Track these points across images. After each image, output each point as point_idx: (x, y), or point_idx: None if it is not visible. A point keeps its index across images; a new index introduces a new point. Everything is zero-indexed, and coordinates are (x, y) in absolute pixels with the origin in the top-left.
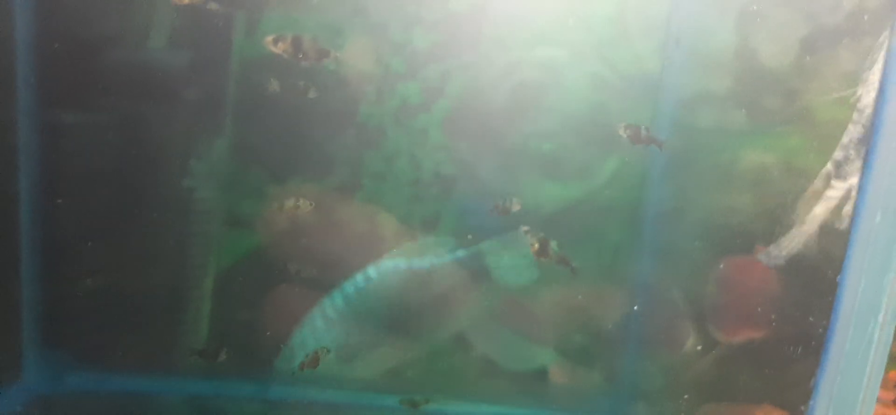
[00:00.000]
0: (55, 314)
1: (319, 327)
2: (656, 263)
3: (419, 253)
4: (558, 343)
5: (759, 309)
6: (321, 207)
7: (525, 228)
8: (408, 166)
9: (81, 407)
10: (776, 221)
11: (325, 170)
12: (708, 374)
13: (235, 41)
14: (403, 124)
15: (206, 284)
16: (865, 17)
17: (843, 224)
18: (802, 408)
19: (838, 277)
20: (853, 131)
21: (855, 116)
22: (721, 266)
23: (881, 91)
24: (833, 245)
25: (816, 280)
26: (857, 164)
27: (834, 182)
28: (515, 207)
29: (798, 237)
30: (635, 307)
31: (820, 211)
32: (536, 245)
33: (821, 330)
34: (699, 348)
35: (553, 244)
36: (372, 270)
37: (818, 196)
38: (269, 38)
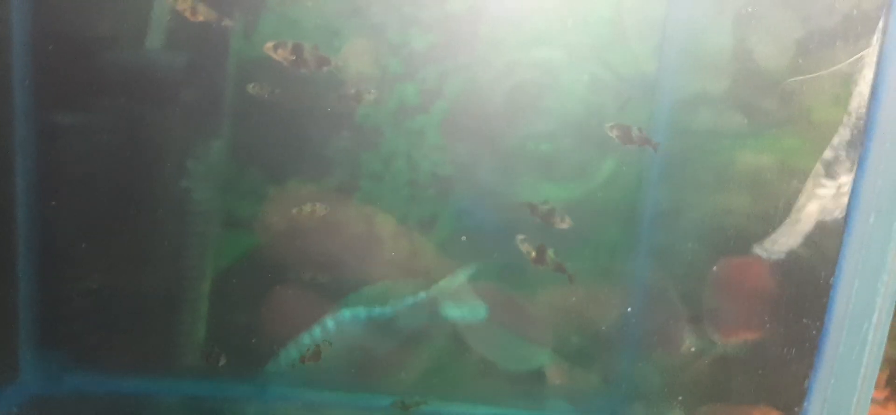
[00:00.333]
0: (52, 315)
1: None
2: (653, 264)
3: (379, 301)
4: (555, 344)
5: (754, 310)
6: (334, 210)
7: (521, 236)
8: (405, 167)
9: (79, 408)
10: (771, 223)
11: (323, 171)
12: (704, 375)
13: (233, 42)
14: (401, 125)
15: (204, 285)
16: (858, 20)
17: (837, 226)
18: (797, 409)
19: (832, 278)
20: (846, 133)
21: (848, 117)
22: (717, 267)
23: (874, 93)
24: (827, 247)
25: (810, 282)
26: (851, 165)
27: (828, 183)
28: (545, 208)
29: (792, 238)
30: (629, 309)
31: (814, 212)
32: (534, 253)
33: (815, 332)
34: (692, 349)
35: (550, 252)
36: (329, 321)
37: (812, 197)
38: (269, 45)
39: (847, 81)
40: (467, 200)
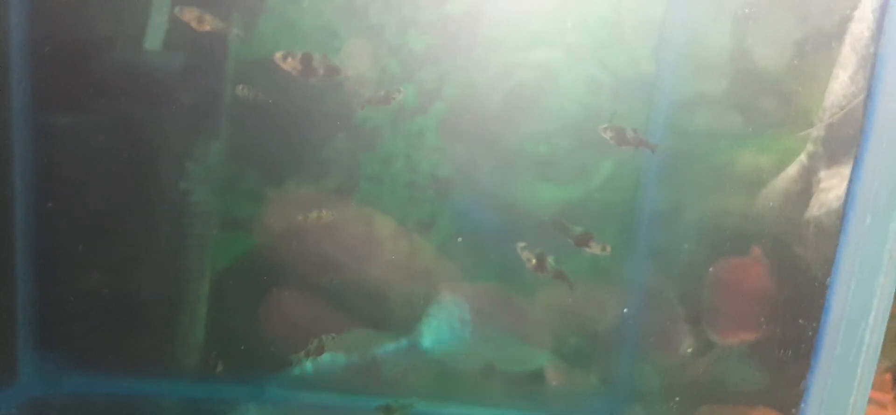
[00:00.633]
0: (51, 317)
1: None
2: (651, 265)
3: (358, 346)
4: (554, 345)
5: (751, 311)
6: (334, 212)
7: (522, 244)
8: (404, 168)
9: (77, 409)
10: (769, 223)
11: (321, 172)
12: (702, 376)
13: (231, 44)
14: (400, 127)
15: (203, 286)
16: (855, 21)
17: (834, 227)
18: (794, 410)
19: (829, 279)
20: (843, 134)
21: (845, 118)
22: (715, 268)
23: (871, 93)
24: (824, 248)
25: (807, 283)
26: (848, 166)
27: (825, 184)
28: (589, 239)
29: (789, 239)
30: (625, 310)
31: (811, 213)
32: (534, 260)
33: (811, 333)
34: (690, 350)
35: (550, 259)
36: (309, 364)
37: (809, 198)
38: (278, 55)
39: (843, 82)
40: (466, 202)
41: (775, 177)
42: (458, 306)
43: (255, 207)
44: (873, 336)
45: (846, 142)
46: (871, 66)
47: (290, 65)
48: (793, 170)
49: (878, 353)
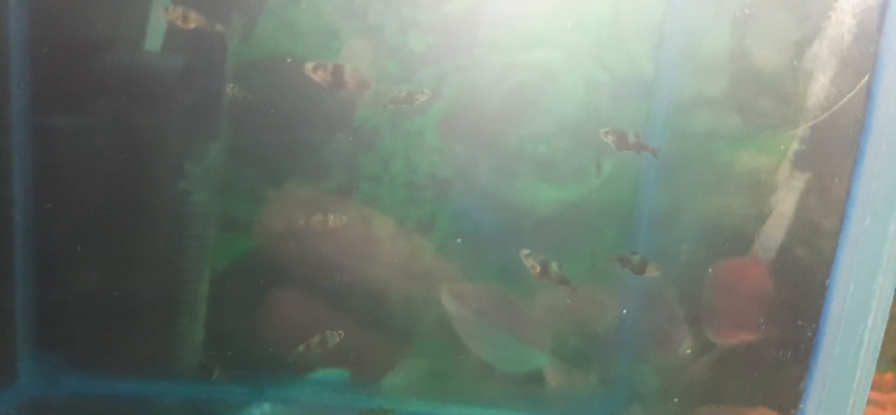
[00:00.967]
0: (50, 317)
1: None
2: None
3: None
4: (553, 346)
5: (750, 312)
6: (333, 212)
7: (525, 251)
8: (404, 169)
9: (76, 410)
10: (768, 224)
11: (321, 172)
12: (701, 377)
13: (231, 44)
14: (399, 127)
15: (202, 287)
16: (856, 22)
17: (833, 227)
18: (793, 411)
19: (828, 280)
20: (842, 134)
21: (844, 119)
22: (714, 269)
23: (871, 94)
24: (823, 248)
25: (806, 283)
26: (848, 167)
27: (823, 184)
28: (646, 264)
29: (788, 240)
30: (624, 311)
31: (809, 213)
32: (538, 268)
33: (811, 333)
34: (689, 351)
35: (554, 266)
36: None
37: (808, 198)
38: (309, 66)
39: (843, 83)
40: (466, 202)
41: (775, 177)
42: None
43: (254, 208)
44: (872, 337)
45: (844, 142)
46: (858, 66)
47: (320, 76)
48: (792, 170)
49: (878, 354)
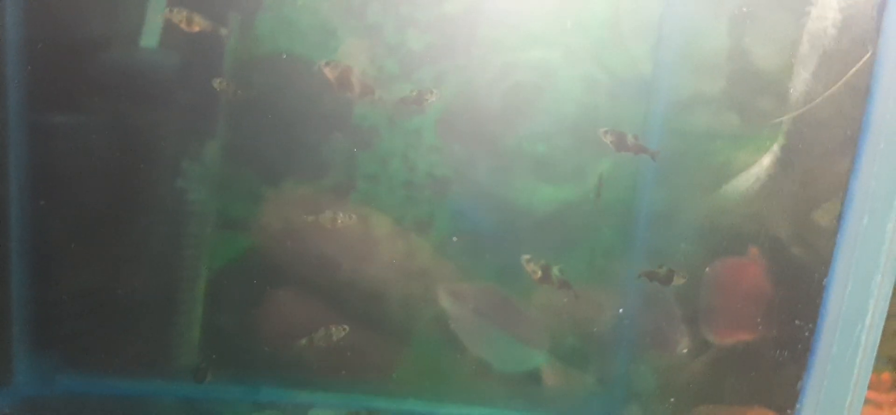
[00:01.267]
0: (46, 317)
1: None
2: (648, 265)
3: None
4: (551, 345)
5: (747, 312)
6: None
7: (527, 256)
8: (402, 168)
9: (72, 410)
10: (765, 223)
11: (319, 171)
12: (698, 376)
13: (228, 42)
14: (397, 126)
15: (198, 286)
16: (854, 20)
17: (831, 227)
18: (790, 411)
19: (825, 280)
20: (840, 133)
21: (842, 119)
22: (711, 269)
23: (869, 94)
24: (820, 248)
25: (804, 283)
26: (846, 167)
27: (821, 183)
28: (672, 274)
29: (786, 239)
30: (621, 310)
31: (807, 212)
32: (539, 272)
33: (808, 333)
34: (686, 351)
35: (555, 270)
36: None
37: (805, 197)
38: (323, 63)
39: (840, 82)
40: (464, 201)
41: (772, 176)
42: None
43: (252, 207)
44: (870, 337)
45: (842, 142)
46: (856, 65)
47: (331, 74)
48: (790, 169)
49: (875, 353)
